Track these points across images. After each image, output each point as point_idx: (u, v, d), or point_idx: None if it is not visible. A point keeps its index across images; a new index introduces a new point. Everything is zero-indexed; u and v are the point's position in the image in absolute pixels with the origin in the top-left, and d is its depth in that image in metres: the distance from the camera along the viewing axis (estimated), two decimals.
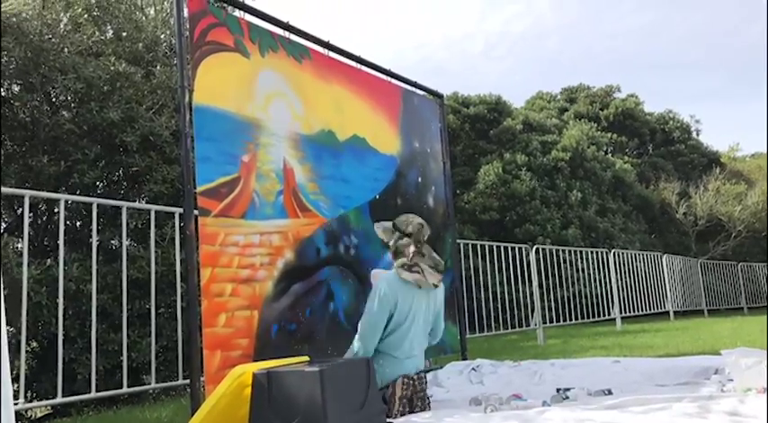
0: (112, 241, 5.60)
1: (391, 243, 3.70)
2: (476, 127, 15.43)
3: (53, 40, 5.82)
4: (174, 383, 4.54)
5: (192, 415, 2.90)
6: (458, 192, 13.48)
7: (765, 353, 3.55)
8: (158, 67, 6.41)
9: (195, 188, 3.35)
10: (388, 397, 3.39)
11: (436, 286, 3.62)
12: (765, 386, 3.24)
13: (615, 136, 18.92)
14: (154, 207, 4.52)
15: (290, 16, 4.26)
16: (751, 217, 17.60)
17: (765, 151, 20.03)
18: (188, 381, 3.76)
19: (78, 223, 5.77)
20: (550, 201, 13.64)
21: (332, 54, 4.66)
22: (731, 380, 3.59)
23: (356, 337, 3.50)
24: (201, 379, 3.26)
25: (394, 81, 5.34)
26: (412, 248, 3.58)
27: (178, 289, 4.57)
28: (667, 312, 11.94)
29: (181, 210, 4.12)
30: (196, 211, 3.35)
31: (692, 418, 2.75)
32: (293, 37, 4.30)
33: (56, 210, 5.57)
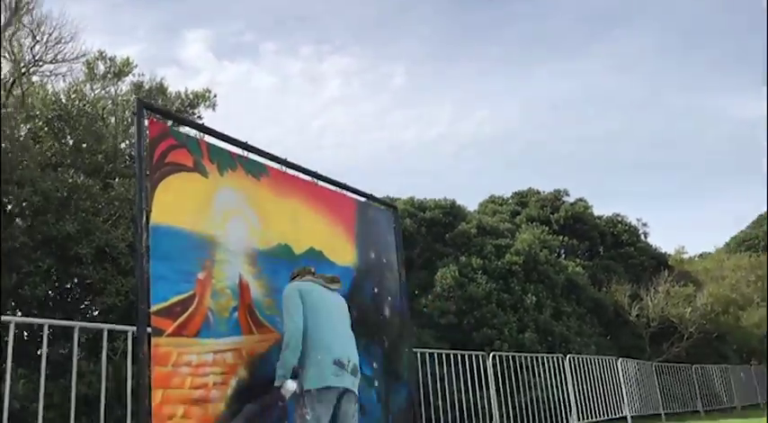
0: (61, 352, 5.46)
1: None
2: (432, 230, 15.69)
3: (11, 153, 5.89)
4: None
5: None
6: (416, 293, 13.54)
7: None
8: (117, 179, 6.50)
9: (149, 308, 3.35)
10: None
11: (335, 289, 4.17)
12: None
13: (566, 239, 19.41)
14: (106, 326, 4.47)
15: (250, 134, 4.43)
16: (701, 318, 17.98)
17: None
18: None
19: (26, 335, 5.63)
20: (506, 304, 13.76)
21: (289, 170, 4.81)
22: None
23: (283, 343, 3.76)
24: None
25: (349, 194, 5.51)
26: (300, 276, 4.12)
27: (128, 407, 4.45)
28: (625, 417, 11.91)
29: (134, 328, 4.08)
30: (149, 330, 3.34)
31: None
32: (252, 155, 4.45)
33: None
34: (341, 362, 3.81)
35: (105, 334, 4.34)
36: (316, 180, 5.12)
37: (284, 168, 4.78)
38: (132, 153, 7.39)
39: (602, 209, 26.08)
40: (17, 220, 5.95)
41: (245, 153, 4.41)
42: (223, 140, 4.25)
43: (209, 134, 4.18)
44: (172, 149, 3.77)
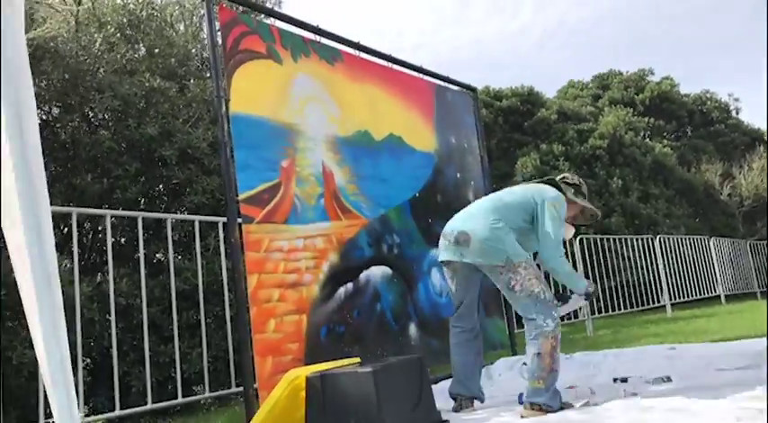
0: (157, 255, 5.67)
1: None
2: (509, 120, 15.27)
3: (88, 60, 5.93)
4: (226, 391, 4.57)
5: (248, 422, 2.91)
6: (495, 186, 13.37)
7: None
8: (192, 81, 6.48)
9: (237, 196, 3.37)
10: None
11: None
12: None
13: (652, 120, 18.51)
14: (198, 217, 4.56)
15: (320, 19, 4.26)
16: None
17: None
18: (241, 388, 3.78)
19: (123, 239, 5.86)
20: (591, 189, 13.41)
21: (363, 55, 4.65)
22: None
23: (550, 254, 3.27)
24: (254, 386, 3.27)
25: (426, 77, 5.31)
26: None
27: (226, 298, 4.60)
28: (718, 296, 11.65)
29: (224, 219, 4.15)
30: (239, 219, 3.38)
31: (760, 401, 2.65)
32: (324, 40, 4.30)
33: (100, 227, 5.66)
34: (446, 234, 3.45)
35: (197, 224, 4.44)
36: (391, 64, 4.95)
37: (358, 53, 4.62)
38: (205, 55, 7.33)
39: (690, 87, 24.65)
40: (101, 129, 6.08)
41: (318, 38, 4.27)
42: (294, 25, 4.11)
43: (280, 19, 4.05)
44: (244, 36, 3.67)
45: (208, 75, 6.68)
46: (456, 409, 3.35)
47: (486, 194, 5.62)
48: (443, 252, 3.47)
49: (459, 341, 3.55)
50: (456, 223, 3.44)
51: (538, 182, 3.60)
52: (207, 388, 4.35)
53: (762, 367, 3.63)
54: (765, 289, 13.72)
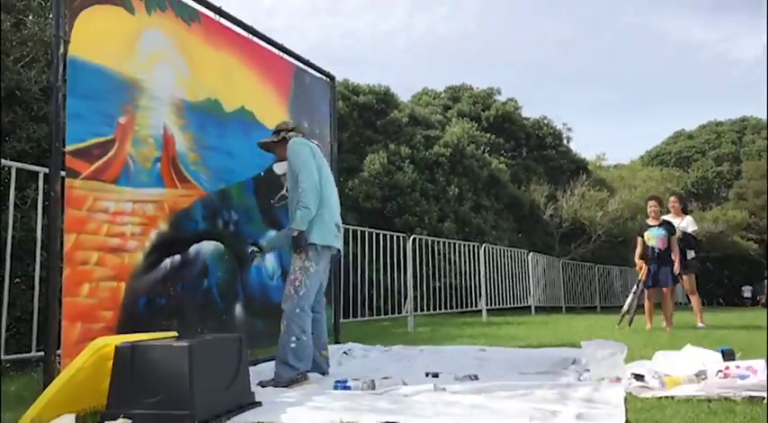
0: None
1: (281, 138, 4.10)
2: (364, 116, 15.46)
3: None
4: (25, 355, 4.22)
5: (45, 389, 2.69)
6: (342, 179, 13.48)
7: (619, 346, 3.80)
8: (30, 17, 5.90)
9: (64, 147, 3.11)
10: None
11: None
12: (617, 376, 3.46)
13: (494, 137, 19.63)
14: (16, 164, 4.17)
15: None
16: (610, 223, 18.88)
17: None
18: (42, 353, 3.50)
19: None
20: (430, 194, 13.93)
21: (224, 21, 4.48)
22: (587, 370, 3.81)
23: (303, 193, 3.76)
24: (57, 352, 3.04)
25: (286, 57, 5.23)
26: (296, 133, 4.11)
27: (38, 256, 4.24)
28: (529, 307, 12.57)
29: (46, 170, 3.82)
30: (63, 172, 3.12)
31: (552, 403, 2.88)
32: None
33: None
34: (339, 225, 4.02)
35: (14, 172, 4.05)
36: (251, 36, 4.81)
37: (219, 18, 4.45)
38: None
39: (531, 111, 26.34)
40: None
41: None
42: None
43: None
44: None
45: (50, 14, 6.12)
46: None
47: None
48: (336, 240, 3.96)
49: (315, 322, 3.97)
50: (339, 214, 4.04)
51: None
52: (2, 350, 3.98)
53: (557, 373, 3.96)
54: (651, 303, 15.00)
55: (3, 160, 4.23)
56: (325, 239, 3.84)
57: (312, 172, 3.81)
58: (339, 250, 4.08)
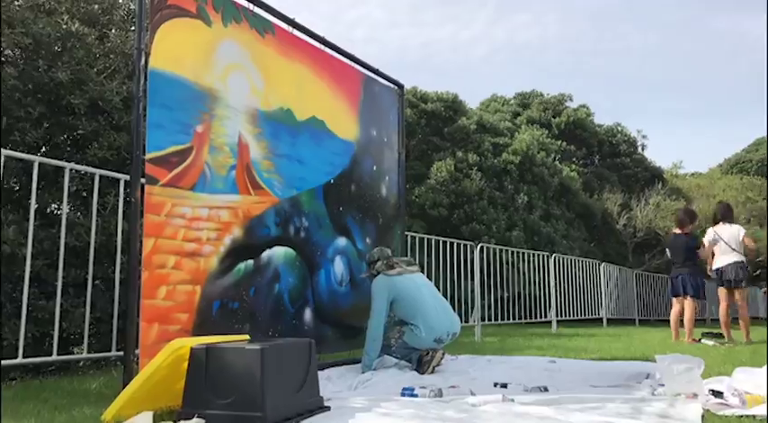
0: (52, 205, 5.39)
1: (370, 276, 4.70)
2: (431, 123, 15.48)
3: None
4: (105, 354, 4.40)
5: (124, 387, 2.80)
6: (408, 186, 13.52)
7: (696, 360, 3.66)
8: (113, 31, 6.18)
9: (144, 155, 3.24)
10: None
11: (417, 271, 4.71)
12: (694, 392, 3.34)
13: (564, 144, 19.27)
14: (99, 171, 4.36)
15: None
16: None
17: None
18: (121, 353, 3.65)
19: (16, 185, 5.52)
20: (498, 202, 13.79)
21: (296, 32, 4.58)
22: (662, 385, 3.68)
23: (367, 337, 4.44)
24: (136, 352, 3.16)
25: (356, 66, 5.29)
26: (383, 263, 4.62)
27: (118, 259, 4.42)
28: (601, 319, 12.25)
29: (127, 176, 3.99)
30: (143, 179, 3.25)
31: (625, 418, 2.80)
32: (258, 10, 4.21)
33: None
34: (440, 339, 4.49)
35: (97, 178, 4.24)
36: (323, 46, 4.90)
37: (292, 30, 4.55)
38: (131, 7, 7.01)
39: (604, 119, 25.78)
40: (7, 66, 5.70)
41: (251, 7, 4.17)
42: None
43: None
44: None
45: (132, 27, 6.39)
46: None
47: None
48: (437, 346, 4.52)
49: None
50: (447, 325, 4.60)
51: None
52: (86, 349, 4.16)
53: (631, 387, 3.85)
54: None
55: (87, 167, 4.43)
56: (418, 346, 4.47)
57: (378, 321, 4.43)
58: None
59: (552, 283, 10.42)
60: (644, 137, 22.46)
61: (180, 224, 3.39)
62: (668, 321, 15.79)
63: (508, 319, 9.87)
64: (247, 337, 3.18)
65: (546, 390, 3.64)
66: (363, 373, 4.23)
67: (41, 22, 5.44)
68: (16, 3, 5.68)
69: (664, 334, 9.46)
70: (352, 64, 5.24)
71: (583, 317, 11.61)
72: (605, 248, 17.29)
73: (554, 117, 20.30)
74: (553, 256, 10.79)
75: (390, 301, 4.47)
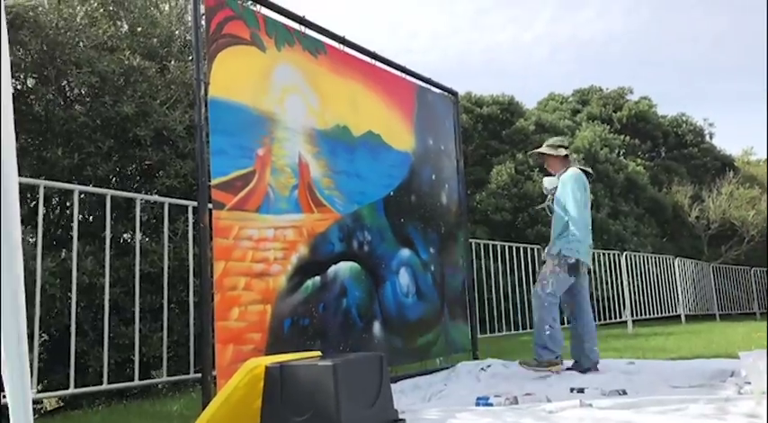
0: (125, 235, 5.61)
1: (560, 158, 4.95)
2: (488, 127, 15.37)
3: (69, 34, 5.82)
4: (184, 377, 4.53)
5: (204, 408, 2.88)
6: (469, 192, 13.43)
7: None
8: (173, 63, 6.41)
9: (209, 181, 3.34)
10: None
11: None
12: None
13: (628, 138, 18.77)
14: (168, 199, 4.51)
15: (307, 10, 4.24)
16: (764, 222, 17.42)
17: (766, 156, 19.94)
18: (199, 375, 3.75)
19: (91, 217, 5.77)
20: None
21: (347, 49, 4.64)
22: (748, 382, 3.54)
23: (571, 222, 4.65)
24: (213, 373, 3.25)
25: (408, 78, 5.32)
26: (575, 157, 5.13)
27: (191, 283, 4.56)
28: (679, 316, 11.85)
29: (194, 203, 4.12)
30: (210, 205, 3.35)
31: (710, 419, 2.71)
32: (309, 31, 4.29)
33: (68, 202, 5.57)
34: (591, 246, 4.78)
35: (166, 207, 4.39)
36: (374, 61, 4.95)
37: (343, 47, 4.61)
38: (187, 38, 7.25)
39: (667, 109, 25.01)
40: (76, 104, 5.98)
41: (302, 29, 4.25)
42: (279, 13, 4.09)
43: (267, 6, 4.01)
44: (228, 21, 3.64)
45: (190, 57, 6.60)
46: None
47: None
48: (588, 258, 4.78)
49: None
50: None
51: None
52: (165, 372, 4.30)
53: (715, 387, 3.71)
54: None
55: (156, 197, 4.60)
56: (582, 256, 4.65)
57: (581, 206, 4.66)
58: (589, 265, 4.87)
59: (625, 282, 10.15)
60: (710, 125, 21.64)
61: (248, 246, 3.47)
62: (752, 314, 15.17)
63: None
64: (319, 353, 3.23)
65: (625, 393, 3.55)
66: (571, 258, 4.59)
67: (105, 60, 5.69)
68: (81, 44, 5.96)
69: (747, 328, 9.07)
70: (405, 75, 5.27)
71: (659, 315, 11.26)
72: (679, 243, 16.73)
73: (615, 112, 19.81)
74: (624, 254, 10.52)
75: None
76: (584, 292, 4.89)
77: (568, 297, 4.83)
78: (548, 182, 5.06)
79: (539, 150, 5.07)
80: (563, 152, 4.91)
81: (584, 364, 4.68)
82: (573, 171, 4.77)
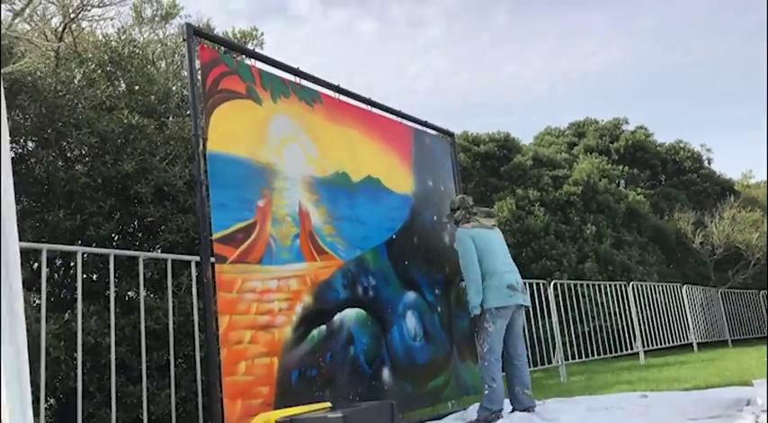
0: (129, 293, 5.59)
1: (451, 222, 5.02)
2: (486, 164, 15.44)
3: (67, 96, 5.91)
4: None
5: None
6: None
7: None
8: (171, 119, 6.48)
9: (211, 235, 3.34)
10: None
11: (494, 226, 4.95)
12: None
13: (626, 168, 18.84)
14: (170, 256, 4.51)
15: (313, 57, 4.32)
16: None
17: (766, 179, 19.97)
18: None
19: (95, 276, 5.76)
20: (565, 235, 13.52)
21: (343, 97, 4.71)
22: (765, 411, 3.48)
23: (467, 284, 4.68)
24: None
25: (405, 121, 5.38)
26: (462, 213, 4.87)
27: (196, 338, 4.52)
28: (691, 344, 11.72)
29: (197, 258, 4.11)
30: (212, 258, 3.35)
31: None
32: (304, 82, 4.35)
33: (72, 263, 5.58)
34: (513, 284, 4.66)
35: (169, 263, 4.38)
36: (370, 107, 5.01)
37: (338, 95, 4.67)
38: (185, 93, 7.36)
39: (663, 137, 25.12)
40: (76, 165, 6.04)
41: (298, 80, 4.31)
42: (274, 66, 4.16)
43: (261, 60, 4.09)
44: (224, 76, 3.70)
45: (187, 112, 6.68)
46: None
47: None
48: (510, 299, 4.61)
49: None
50: (516, 275, 4.80)
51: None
52: None
53: (732, 417, 3.65)
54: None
55: (159, 254, 4.60)
56: (496, 302, 4.55)
57: (472, 263, 4.63)
58: (521, 304, 4.73)
59: (634, 312, 10.06)
60: (708, 150, 21.73)
61: (252, 298, 3.46)
62: (764, 338, 14.99)
63: (592, 355, 9.55)
64: (329, 404, 3.19)
65: None
66: (473, 315, 4.59)
67: (104, 120, 5.76)
68: (80, 105, 6.05)
69: (760, 352, 8.96)
70: (401, 119, 5.33)
71: (671, 344, 11.13)
72: (684, 270, 16.64)
73: (612, 142, 19.93)
74: (631, 284, 10.45)
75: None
76: (519, 332, 4.86)
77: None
78: None
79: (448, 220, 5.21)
80: (450, 216, 5.01)
81: (517, 408, 4.66)
82: (458, 230, 4.83)
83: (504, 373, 4.69)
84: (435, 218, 5.37)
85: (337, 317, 4.05)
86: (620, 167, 18.19)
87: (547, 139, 20.54)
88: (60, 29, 7.06)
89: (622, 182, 17.47)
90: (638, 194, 17.07)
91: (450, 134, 6.02)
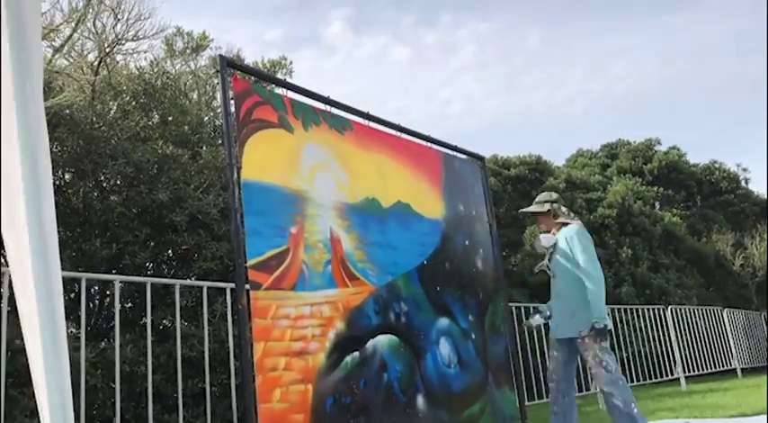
0: (164, 320, 5.65)
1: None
2: (518, 188, 15.37)
3: (103, 128, 6.07)
4: None
5: None
6: (504, 254, 13.32)
7: None
8: (204, 148, 6.60)
9: (246, 262, 3.36)
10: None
11: None
12: None
13: (661, 189, 18.59)
14: (206, 283, 4.55)
15: (333, 89, 4.37)
16: None
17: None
18: None
19: (129, 305, 5.84)
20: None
21: (372, 124, 4.73)
22: None
23: (593, 287, 4.40)
24: None
25: (434, 146, 5.38)
26: (564, 210, 4.85)
27: (231, 366, 4.54)
28: (734, 369, 11.39)
29: (232, 285, 4.14)
30: (247, 285, 3.36)
31: None
32: (335, 110, 4.39)
33: (108, 292, 5.66)
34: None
35: (205, 290, 4.43)
36: (399, 133, 5.02)
37: (368, 122, 4.71)
38: (217, 123, 7.50)
39: (698, 157, 24.73)
40: (112, 195, 6.15)
41: (328, 108, 4.36)
42: (305, 96, 4.20)
43: (292, 90, 4.14)
44: (257, 106, 3.75)
45: (220, 142, 6.80)
46: None
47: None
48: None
49: None
50: None
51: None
52: None
53: None
54: None
55: (194, 282, 4.64)
56: (607, 321, 4.38)
57: (595, 260, 4.48)
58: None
59: (673, 337, 9.83)
60: (745, 170, 21.36)
61: (285, 325, 3.46)
62: None
63: (632, 381, 9.33)
64: None
65: None
66: (599, 327, 4.28)
67: (139, 150, 5.89)
68: (115, 137, 6.19)
69: None
70: (430, 144, 5.33)
71: (713, 369, 10.83)
72: (725, 293, 16.26)
73: (645, 164, 19.73)
74: (669, 308, 10.23)
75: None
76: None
77: (566, 372, 4.62)
78: (545, 240, 4.85)
79: (526, 210, 5.05)
80: (548, 207, 4.87)
81: None
82: (576, 224, 4.65)
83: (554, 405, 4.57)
84: (467, 243, 5.33)
85: (370, 343, 4.02)
86: (655, 189, 17.95)
87: (579, 161, 20.39)
88: (96, 63, 7.27)
89: (657, 203, 17.21)
90: (674, 216, 16.79)
91: (481, 158, 6.01)
